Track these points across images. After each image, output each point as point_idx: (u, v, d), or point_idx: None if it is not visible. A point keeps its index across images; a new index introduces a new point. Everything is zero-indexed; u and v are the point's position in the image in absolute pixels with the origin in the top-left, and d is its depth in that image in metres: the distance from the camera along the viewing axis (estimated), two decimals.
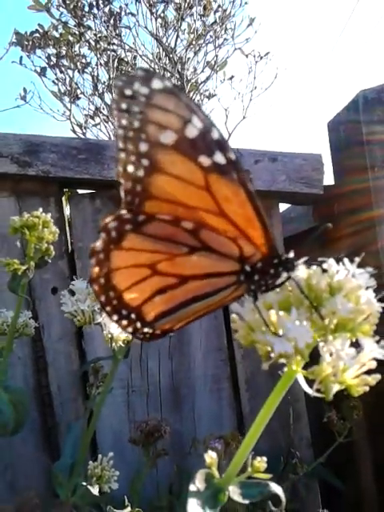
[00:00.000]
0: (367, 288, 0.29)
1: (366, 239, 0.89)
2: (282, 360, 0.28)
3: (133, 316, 0.34)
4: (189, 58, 3.29)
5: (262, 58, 3.27)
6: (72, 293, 0.56)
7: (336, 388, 0.29)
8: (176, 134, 0.31)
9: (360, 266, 0.30)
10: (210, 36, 3.19)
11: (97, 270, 0.33)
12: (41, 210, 0.59)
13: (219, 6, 3.15)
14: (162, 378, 0.91)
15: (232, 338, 0.93)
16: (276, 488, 0.33)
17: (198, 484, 0.31)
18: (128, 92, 0.31)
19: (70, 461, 0.60)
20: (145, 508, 0.71)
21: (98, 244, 0.33)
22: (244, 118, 3.36)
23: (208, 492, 0.31)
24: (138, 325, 0.35)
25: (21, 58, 3.31)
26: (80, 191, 0.99)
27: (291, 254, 0.32)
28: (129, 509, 0.68)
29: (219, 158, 0.31)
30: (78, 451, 0.61)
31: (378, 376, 0.29)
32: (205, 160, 0.31)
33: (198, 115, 0.31)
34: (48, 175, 0.91)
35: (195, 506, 0.30)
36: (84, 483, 0.57)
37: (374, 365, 0.29)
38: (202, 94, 3.53)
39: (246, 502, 0.32)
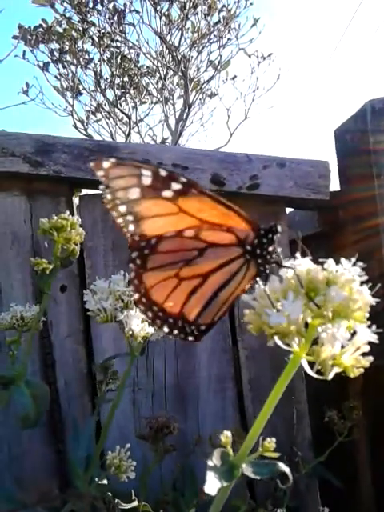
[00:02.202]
0: (361, 283, 0.33)
1: (371, 246, 0.91)
2: (279, 342, 0.32)
3: (179, 322, 0.41)
4: (192, 57, 3.30)
5: (265, 58, 3.29)
6: (94, 292, 0.58)
7: (335, 370, 0.32)
8: (138, 188, 0.39)
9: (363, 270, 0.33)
10: (214, 35, 3.20)
11: (137, 295, 0.41)
12: (68, 211, 0.63)
13: (224, 5, 3.16)
14: (168, 377, 0.93)
15: (237, 340, 0.95)
16: (284, 467, 0.37)
17: (214, 461, 0.35)
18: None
19: (84, 454, 0.63)
20: (150, 502, 0.73)
21: (131, 274, 0.41)
22: (246, 118, 3.38)
23: (224, 467, 0.35)
24: (186, 327, 0.42)
25: (24, 52, 3.31)
26: (91, 192, 1.00)
27: (273, 223, 0.40)
28: (136, 502, 0.70)
29: (176, 186, 0.39)
30: (91, 445, 0.63)
31: (370, 358, 0.33)
32: (167, 193, 0.39)
33: (144, 167, 0.39)
34: (59, 175, 0.92)
35: (213, 479, 0.33)
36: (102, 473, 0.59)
37: (367, 348, 0.33)
38: (205, 93, 3.54)
39: (258, 477, 0.36)
